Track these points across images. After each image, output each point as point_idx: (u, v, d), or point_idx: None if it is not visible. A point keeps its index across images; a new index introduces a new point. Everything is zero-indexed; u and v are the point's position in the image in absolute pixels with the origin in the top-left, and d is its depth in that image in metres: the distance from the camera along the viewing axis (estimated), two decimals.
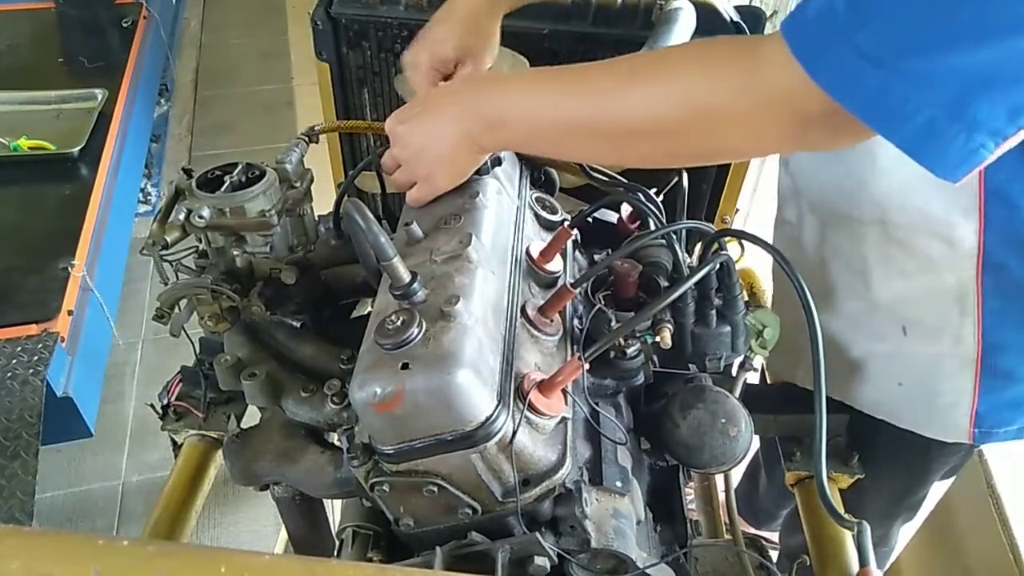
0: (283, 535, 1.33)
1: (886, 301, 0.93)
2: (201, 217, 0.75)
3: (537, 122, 0.74)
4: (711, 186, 1.32)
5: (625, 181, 0.95)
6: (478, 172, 0.83)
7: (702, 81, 0.65)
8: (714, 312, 0.83)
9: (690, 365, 0.85)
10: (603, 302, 0.82)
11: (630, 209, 0.96)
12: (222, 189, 0.78)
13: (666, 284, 0.83)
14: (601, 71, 0.71)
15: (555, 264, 0.83)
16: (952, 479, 0.95)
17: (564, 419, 0.70)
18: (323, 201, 0.94)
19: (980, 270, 0.84)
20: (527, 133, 0.77)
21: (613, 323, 0.78)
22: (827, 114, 0.58)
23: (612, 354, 0.79)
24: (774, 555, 1.46)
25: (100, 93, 2.32)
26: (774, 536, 1.64)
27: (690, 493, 1.57)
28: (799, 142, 0.70)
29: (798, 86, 0.58)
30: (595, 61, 0.73)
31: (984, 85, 0.53)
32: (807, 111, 0.60)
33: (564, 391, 0.70)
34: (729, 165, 1.29)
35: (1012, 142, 0.55)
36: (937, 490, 1.01)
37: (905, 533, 1.24)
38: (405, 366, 0.62)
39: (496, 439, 0.64)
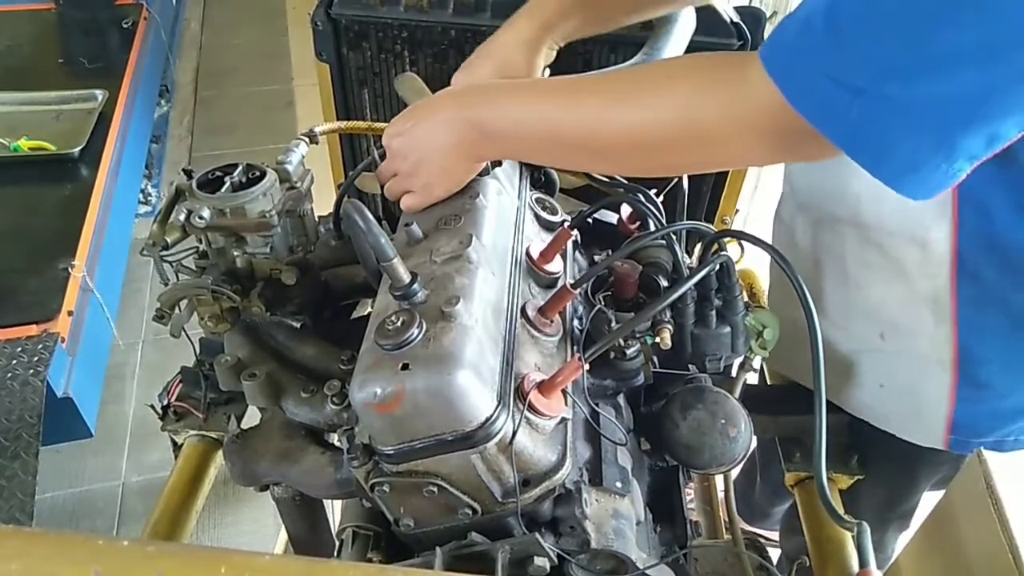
0: (283, 535, 1.33)
1: (864, 305, 0.93)
2: (201, 218, 0.75)
3: (533, 135, 0.76)
4: (711, 187, 1.32)
5: (625, 182, 0.95)
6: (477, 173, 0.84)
7: (691, 99, 0.66)
8: (714, 313, 0.83)
9: (690, 366, 0.85)
10: (603, 303, 0.82)
11: (630, 210, 0.96)
12: (222, 190, 0.78)
13: (666, 285, 0.83)
14: (594, 87, 0.73)
15: (555, 265, 0.83)
16: (944, 490, 0.94)
17: (564, 420, 0.70)
18: (323, 201, 0.94)
19: (954, 278, 0.83)
20: (523, 145, 0.78)
21: (613, 324, 0.78)
22: (809, 134, 0.59)
23: (612, 355, 0.79)
24: (774, 554, 1.46)
25: (100, 94, 2.32)
26: (771, 534, 1.64)
27: (690, 493, 1.57)
28: (786, 156, 0.72)
29: (779, 108, 0.59)
30: (590, 73, 0.74)
31: (965, 115, 0.53)
32: (789, 131, 0.61)
33: (564, 392, 0.70)
34: None
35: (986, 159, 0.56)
36: (929, 500, 1.01)
37: (900, 542, 1.24)
38: (405, 367, 0.62)
39: (496, 439, 0.64)
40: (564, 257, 0.87)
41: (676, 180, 0.97)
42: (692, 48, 1.03)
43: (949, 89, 0.53)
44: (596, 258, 0.96)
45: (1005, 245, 0.79)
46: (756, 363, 0.94)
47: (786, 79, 0.58)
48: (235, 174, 0.80)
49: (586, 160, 0.80)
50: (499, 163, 0.86)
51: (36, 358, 1.51)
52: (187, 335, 0.85)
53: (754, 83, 0.60)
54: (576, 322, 0.82)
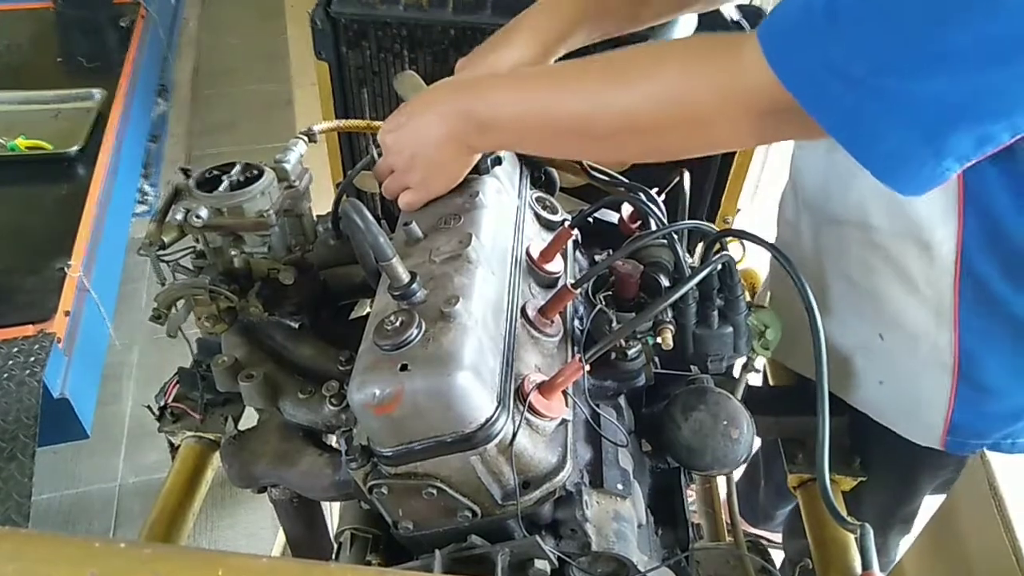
0: (281, 538, 1.32)
1: (866, 305, 0.93)
2: (199, 217, 0.75)
3: (526, 123, 0.75)
4: (713, 186, 1.32)
5: (626, 181, 0.95)
6: (477, 171, 0.83)
7: (681, 81, 0.66)
8: (716, 313, 0.83)
9: (692, 366, 0.85)
10: (604, 303, 0.81)
11: (631, 209, 0.96)
12: (220, 189, 0.78)
13: (667, 284, 0.83)
14: (586, 72, 0.72)
15: (555, 264, 0.83)
16: (945, 494, 0.94)
17: (564, 421, 0.69)
18: (322, 201, 0.93)
19: (957, 282, 0.83)
20: (516, 133, 0.77)
21: (614, 324, 0.78)
22: (798, 116, 0.59)
23: (613, 355, 0.79)
24: (777, 556, 1.46)
25: (98, 93, 2.32)
26: (774, 536, 1.63)
27: (691, 495, 1.56)
28: (772, 137, 0.72)
29: (773, 90, 0.59)
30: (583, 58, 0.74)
31: (957, 116, 0.54)
32: (779, 112, 0.61)
33: (564, 393, 0.69)
34: (731, 165, 1.28)
35: (975, 161, 0.56)
36: (931, 504, 1.01)
37: (903, 546, 1.24)
38: (404, 367, 0.61)
39: (496, 441, 0.63)
40: (564, 257, 0.87)
41: (677, 179, 0.96)
42: None
43: (945, 87, 0.53)
44: (597, 258, 0.96)
45: (1008, 246, 0.79)
46: (758, 364, 0.94)
47: (783, 63, 0.58)
48: (233, 173, 0.80)
49: (579, 146, 0.79)
50: (499, 162, 0.86)
51: (32, 358, 1.51)
52: (184, 335, 0.84)
53: (750, 64, 0.60)
54: (577, 322, 0.81)
